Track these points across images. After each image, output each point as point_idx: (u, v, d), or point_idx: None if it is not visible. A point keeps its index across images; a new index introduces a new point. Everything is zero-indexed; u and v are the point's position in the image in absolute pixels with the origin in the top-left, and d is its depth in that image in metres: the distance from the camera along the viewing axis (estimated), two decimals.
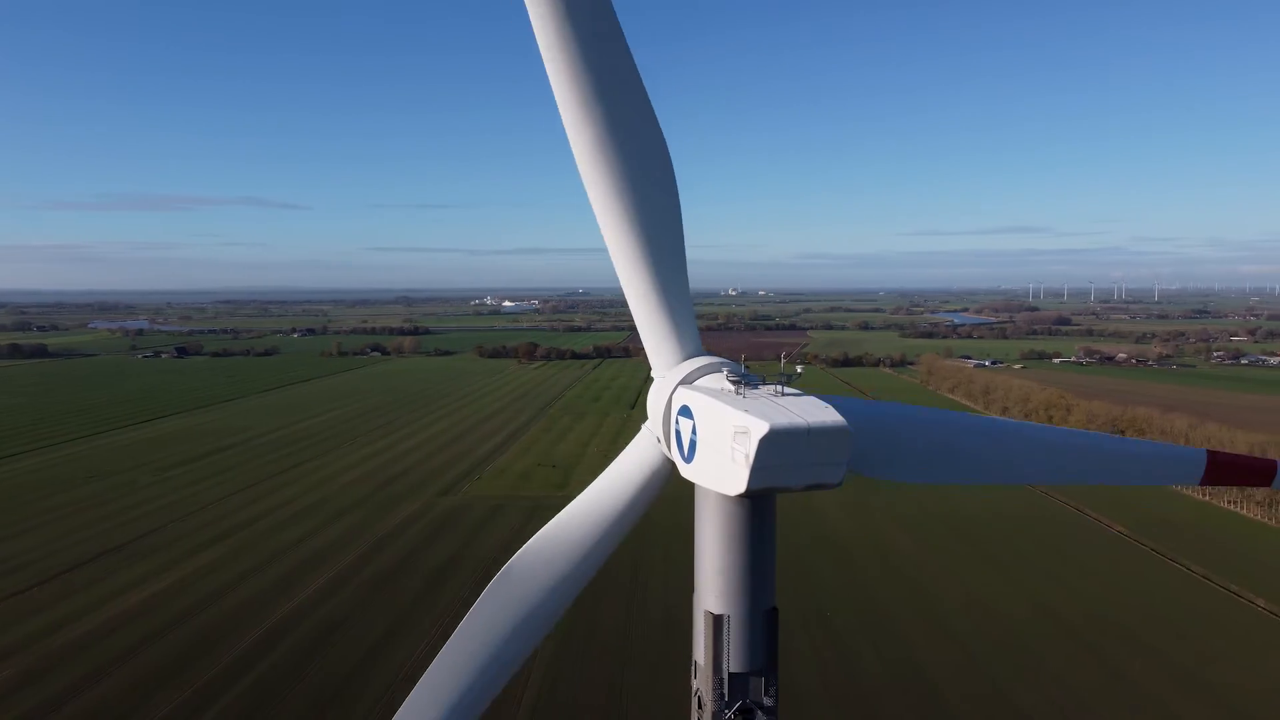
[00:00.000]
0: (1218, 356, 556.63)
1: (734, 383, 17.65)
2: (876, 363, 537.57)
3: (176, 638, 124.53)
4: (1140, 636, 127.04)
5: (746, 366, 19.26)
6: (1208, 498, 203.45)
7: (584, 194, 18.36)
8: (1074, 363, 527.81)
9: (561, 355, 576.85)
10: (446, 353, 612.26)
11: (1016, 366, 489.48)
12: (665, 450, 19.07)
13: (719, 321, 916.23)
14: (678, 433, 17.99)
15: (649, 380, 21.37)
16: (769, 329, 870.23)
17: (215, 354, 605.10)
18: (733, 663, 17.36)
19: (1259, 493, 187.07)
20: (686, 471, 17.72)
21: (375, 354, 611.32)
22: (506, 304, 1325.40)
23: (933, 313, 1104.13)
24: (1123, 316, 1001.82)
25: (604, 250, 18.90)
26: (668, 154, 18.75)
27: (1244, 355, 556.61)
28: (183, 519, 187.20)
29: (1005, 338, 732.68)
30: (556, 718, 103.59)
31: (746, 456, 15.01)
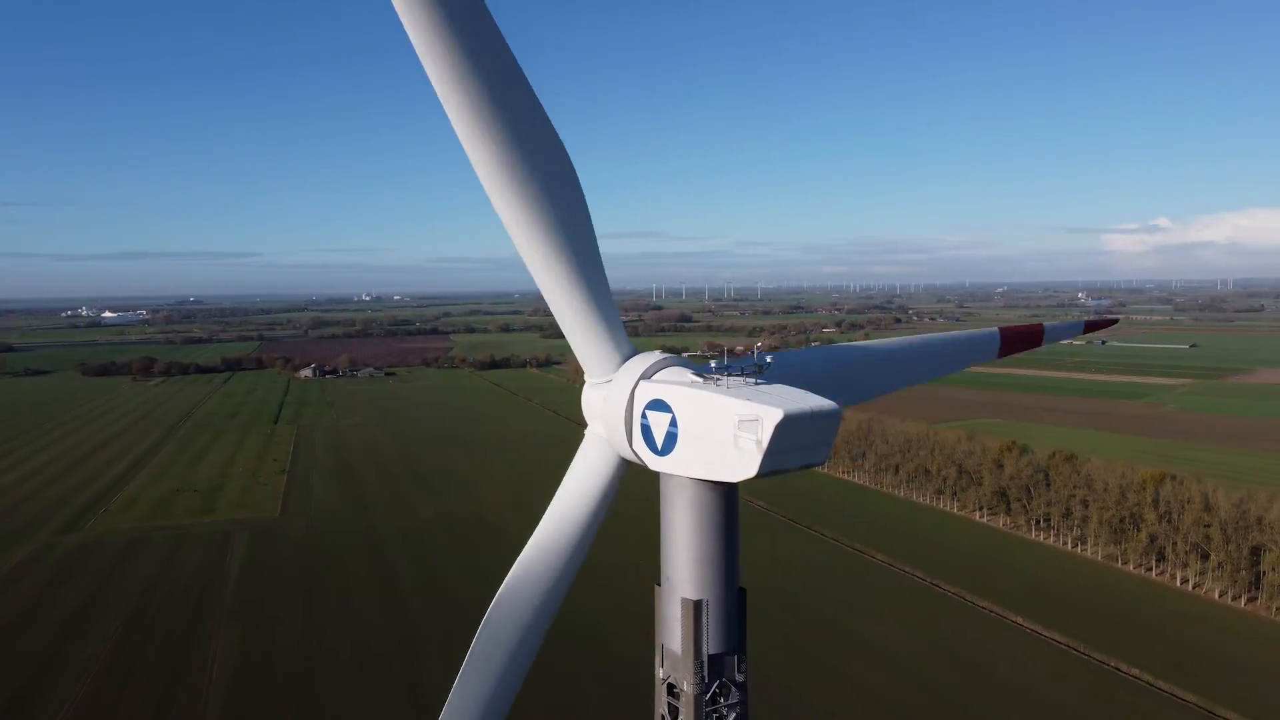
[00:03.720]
0: (815, 346, 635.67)
1: (699, 375, 18.19)
2: (524, 363, 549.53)
3: None
4: (791, 595, 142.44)
5: (690, 358, 19.89)
6: (825, 470, 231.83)
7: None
8: (701, 356, 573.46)
9: (184, 370, 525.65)
10: (40, 372, 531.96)
11: None
12: (625, 448, 18.93)
13: (356, 328, 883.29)
14: (645, 427, 18.05)
15: (583, 385, 21.07)
16: (410, 334, 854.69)
17: None
18: (710, 645, 17.90)
19: (868, 463, 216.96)
20: (659, 464, 17.85)
21: None
22: (107, 315, 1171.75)
23: None
24: (734, 313, 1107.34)
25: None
26: (570, 163, 18.31)
27: (835, 345, 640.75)
28: None
29: (637, 335, 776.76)
30: None
31: (758, 443, 15.66)
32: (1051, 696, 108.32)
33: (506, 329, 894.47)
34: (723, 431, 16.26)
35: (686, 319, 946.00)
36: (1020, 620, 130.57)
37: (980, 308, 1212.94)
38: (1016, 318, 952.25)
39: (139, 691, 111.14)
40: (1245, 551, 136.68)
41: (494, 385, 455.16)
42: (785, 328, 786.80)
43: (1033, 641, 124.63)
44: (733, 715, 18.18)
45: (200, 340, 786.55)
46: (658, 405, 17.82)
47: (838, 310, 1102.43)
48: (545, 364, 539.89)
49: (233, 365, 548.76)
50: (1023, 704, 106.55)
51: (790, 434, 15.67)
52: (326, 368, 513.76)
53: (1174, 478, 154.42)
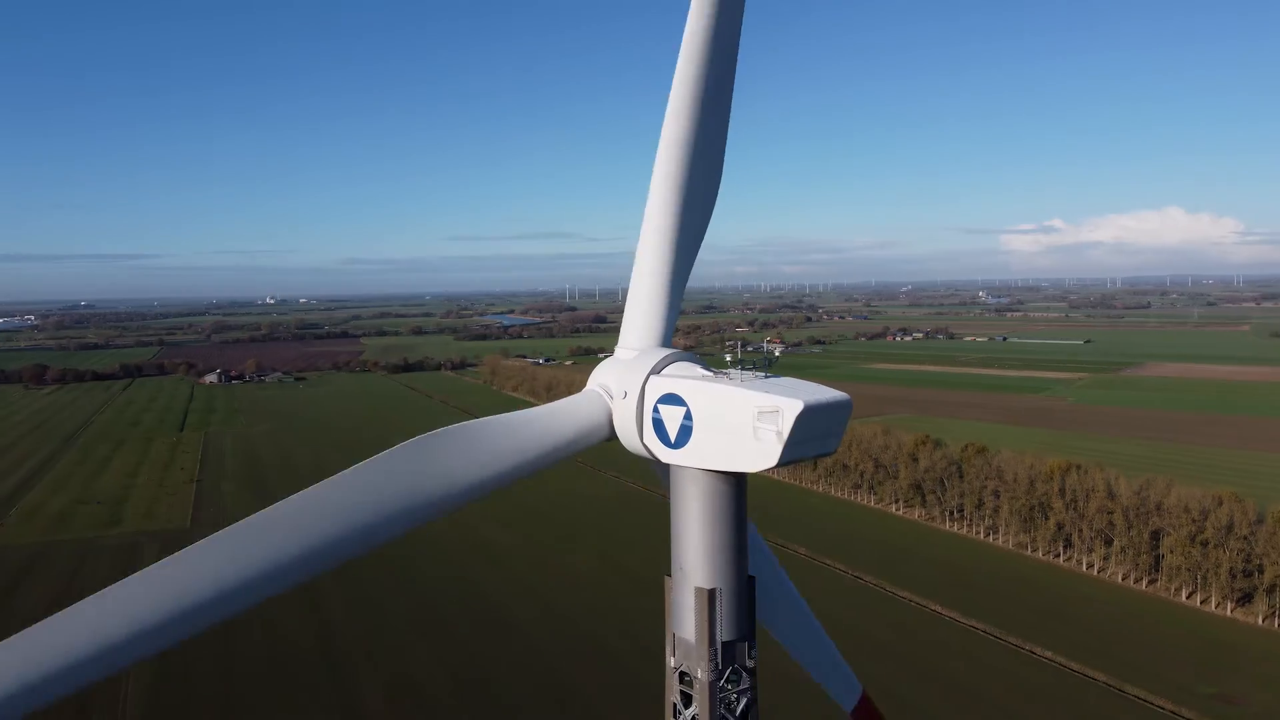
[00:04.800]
0: (730, 345, 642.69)
1: (710, 370, 18.70)
2: (437, 366, 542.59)
3: None
4: None
5: (701, 354, 20.38)
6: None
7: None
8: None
9: (80, 377, 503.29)
10: None
11: (568, 363, 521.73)
12: (635, 443, 19.03)
13: (262, 332, 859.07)
14: (658, 421, 18.37)
15: (603, 356, 21.07)
16: (319, 337, 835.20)
17: None
18: (723, 632, 18.40)
19: (801, 464, 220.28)
20: (672, 457, 18.17)
21: None
22: None
23: (481, 315, 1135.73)
24: None
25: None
26: (722, 161, 21.22)
27: (749, 344, 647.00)
28: None
29: (553, 336, 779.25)
30: None
31: (779, 434, 16.25)
32: (969, 680, 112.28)
33: (419, 331, 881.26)
34: (741, 423, 16.76)
35: (601, 320, 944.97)
36: (939, 609, 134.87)
37: (886, 305, 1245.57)
38: (921, 315, 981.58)
39: (49, 713, 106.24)
40: (1146, 536, 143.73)
41: (408, 388, 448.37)
42: (699, 327, 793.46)
43: (949, 628, 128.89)
44: (743, 700, 18.74)
45: (96, 346, 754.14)
46: (671, 399, 18.19)
47: (749, 310, 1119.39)
48: (460, 366, 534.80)
49: (132, 372, 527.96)
50: (943, 688, 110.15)
51: (808, 424, 16.31)
52: (233, 373, 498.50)
53: (1079, 467, 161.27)
